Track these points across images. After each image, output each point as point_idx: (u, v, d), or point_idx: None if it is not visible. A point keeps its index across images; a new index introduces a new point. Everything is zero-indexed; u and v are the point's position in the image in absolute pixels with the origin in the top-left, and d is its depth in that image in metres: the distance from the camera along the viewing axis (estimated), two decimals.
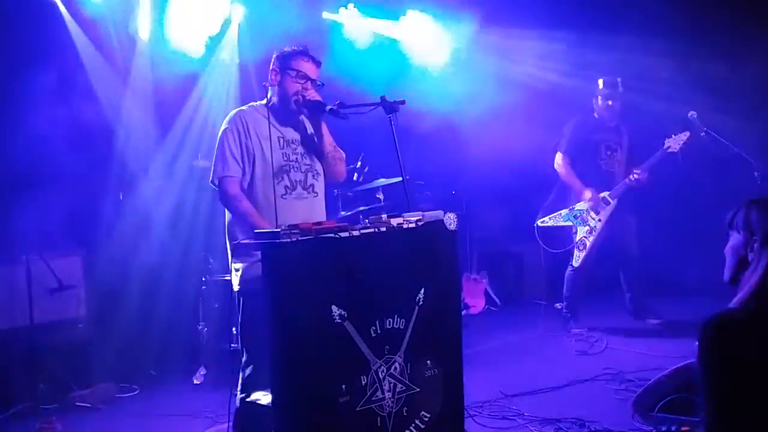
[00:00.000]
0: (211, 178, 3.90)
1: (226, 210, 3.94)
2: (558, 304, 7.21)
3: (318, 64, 3.97)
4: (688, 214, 7.15)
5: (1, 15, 5.39)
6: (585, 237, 6.49)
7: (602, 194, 6.48)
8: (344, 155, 4.19)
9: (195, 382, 5.74)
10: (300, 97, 3.87)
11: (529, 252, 8.21)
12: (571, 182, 6.57)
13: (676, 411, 3.85)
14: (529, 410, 4.67)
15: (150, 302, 5.99)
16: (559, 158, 6.66)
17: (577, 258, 6.53)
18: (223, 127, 3.89)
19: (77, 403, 5.21)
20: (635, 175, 6.37)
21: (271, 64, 3.97)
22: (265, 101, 3.96)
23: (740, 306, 2.22)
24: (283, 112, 3.91)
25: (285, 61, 3.92)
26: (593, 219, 6.45)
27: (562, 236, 6.72)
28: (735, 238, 2.34)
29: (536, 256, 8.02)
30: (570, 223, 6.56)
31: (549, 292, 7.40)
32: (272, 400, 3.19)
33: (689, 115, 6.22)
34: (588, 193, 6.45)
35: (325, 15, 7.29)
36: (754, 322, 2.14)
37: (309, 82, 3.90)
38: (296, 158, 3.92)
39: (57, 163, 5.50)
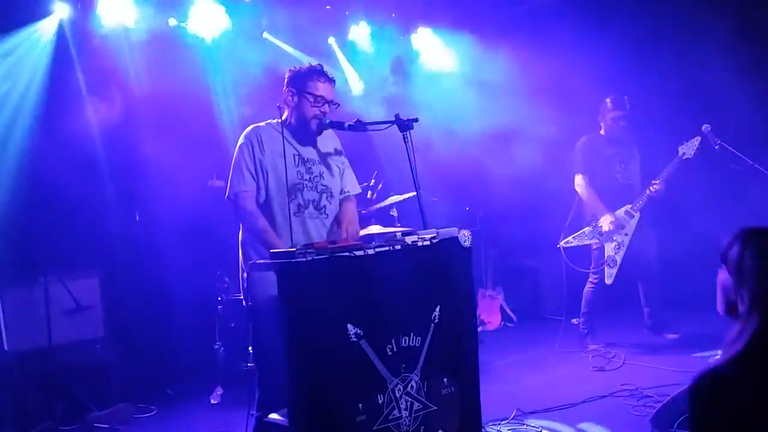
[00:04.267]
0: (227, 194, 3.93)
1: (240, 229, 3.96)
2: (575, 320, 7.16)
3: (333, 82, 4.00)
4: (704, 227, 7.08)
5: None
6: (614, 253, 6.43)
7: (625, 207, 6.43)
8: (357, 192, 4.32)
9: (212, 401, 5.74)
10: (319, 120, 3.90)
11: (544, 267, 8.20)
12: (594, 205, 6.49)
13: None
14: (546, 428, 4.64)
15: (167, 322, 6.02)
16: (579, 179, 6.58)
17: (610, 275, 6.43)
18: (239, 143, 3.93)
19: (95, 424, 5.23)
20: (655, 186, 6.33)
21: (285, 83, 4.00)
22: (279, 120, 3.98)
23: (728, 364, 2.07)
24: (301, 132, 3.94)
25: (301, 83, 3.95)
26: (619, 234, 6.41)
27: (584, 253, 6.68)
28: (725, 276, 2.17)
29: (551, 271, 8.01)
30: (595, 241, 6.51)
31: (565, 307, 7.36)
32: (289, 420, 3.19)
33: (703, 128, 6.19)
34: (608, 218, 6.39)
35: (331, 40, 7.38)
36: (742, 381, 2.01)
37: (326, 105, 3.94)
38: (310, 177, 3.95)
39: (73, 184, 5.55)
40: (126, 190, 6.08)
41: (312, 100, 3.91)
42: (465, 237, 3.60)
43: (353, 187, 4.23)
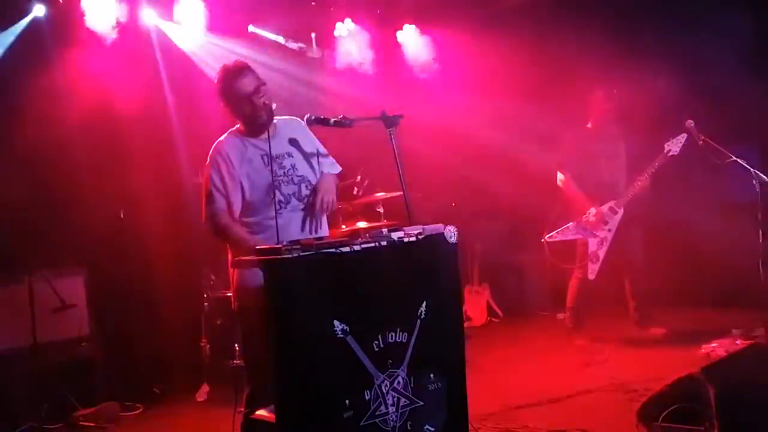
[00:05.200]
0: (203, 220, 3.90)
1: None
2: (560, 315, 7.19)
3: (249, 70, 3.91)
4: (687, 222, 7.12)
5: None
6: (597, 248, 6.46)
7: (609, 204, 6.45)
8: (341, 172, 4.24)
9: (198, 399, 5.74)
10: (266, 106, 3.85)
11: (530, 263, 8.22)
12: (576, 200, 6.52)
13: (680, 421, 3.84)
14: (533, 422, 4.66)
15: (152, 320, 6.01)
16: (561, 175, 6.61)
17: (592, 271, 6.47)
18: (208, 159, 3.91)
19: (81, 423, 5.21)
20: (639, 182, 6.35)
21: (219, 101, 3.93)
22: (235, 127, 3.98)
23: None
24: (257, 131, 3.91)
25: (228, 94, 3.89)
26: (603, 230, 6.43)
27: (570, 249, 6.71)
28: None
29: (537, 267, 8.05)
30: (579, 236, 6.53)
31: (551, 302, 7.39)
32: (276, 416, 3.19)
33: (686, 123, 6.21)
34: (592, 211, 6.42)
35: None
36: None
37: (254, 96, 3.85)
38: (284, 172, 3.90)
39: (57, 182, 5.53)
40: (110, 187, 6.05)
41: (246, 99, 3.85)
42: (451, 233, 3.60)
43: (331, 167, 4.18)
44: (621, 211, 6.44)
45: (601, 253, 6.46)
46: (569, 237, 6.58)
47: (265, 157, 3.86)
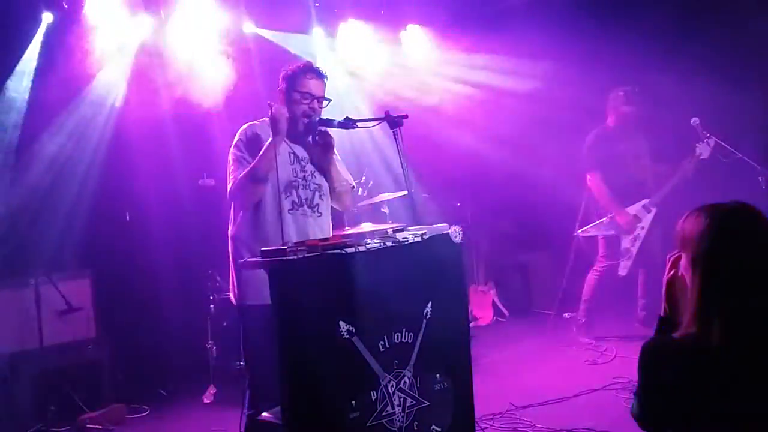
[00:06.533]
0: (229, 188, 3.84)
1: (231, 225, 3.93)
2: (567, 314, 7.18)
3: (323, 78, 3.96)
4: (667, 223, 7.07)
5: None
6: (630, 246, 6.42)
7: (642, 202, 6.40)
8: (352, 186, 4.23)
9: (205, 401, 5.74)
10: (308, 118, 3.88)
11: (535, 262, 8.22)
12: (609, 204, 6.44)
13: None
14: (540, 421, 4.66)
15: (159, 322, 6.02)
16: (592, 178, 6.50)
17: (624, 267, 6.44)
18: (234, 140, 3.90)
19: (88, 425, 5.22)
20: (671, 182, 6.30)
21: (279, 83, 3.99)
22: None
23: (683, 333, 2.16)
24: (292, 129, 3.91)
25: (290, 81, 3.92)
26: (636, 228, 6.39)
27: (592, 247, 6.69)
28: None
29: (543, 266, 8.04)
30: (613, 232, 6.48)
31: (557, 302, 7.36)
32: (282, 418, 3.19)
33: (692, 121, 6.19)
34: (625, 217, 6.37)
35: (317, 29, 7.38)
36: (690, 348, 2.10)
37: (315, 101, 3.91)
38: (305, 176, 3.92)
39: (63, 185, 5.54)
40: (116, 190, 6.06)
41: (299, 97, 3.88)
42: (456, 233, 3.60)
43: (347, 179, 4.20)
44: (654, 210, 6.39)
45: (634, 250, 6.41)
46: (602, 233, 6.53)
47: (292, 155, 3.89)
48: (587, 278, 6.69)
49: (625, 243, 6.45)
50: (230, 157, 3.89)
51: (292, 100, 3.90)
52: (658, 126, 6.64)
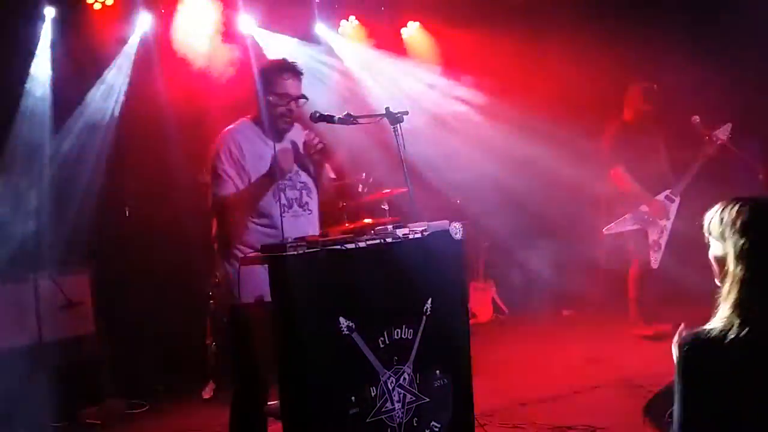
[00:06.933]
0: (211, 203, 3.81)
1: (218, 229, 3.90)
2: (566, 311, 7.17)
3: (300, 76, 3.89)
4: (692, 217, 7.08)
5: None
6: (658, 237, 6.38)
7: (664, 193, 6.37)
8: (334, 178, 4.28)
9: (204, 396, 5.74)
10: (287, 117, 3.84)
11: (535, 259, 8.21)
12: (638, 194, 6.38)
13: None
14: (540, 418, 4.66)
15: (158, 318, 6.01)
16: (616, 173, 6.44)
17: (655, 260, 6.39)
18: (216, 149, 3.82)
19: (87, 420, 5.22)
20: (692, 171, 6.26)
21: (254, 80, 3.93)
22: (251, 116, 3.91)
23: (721, 323, 2.13)
24: (273, 130, 3.86)
25: (267, 83, 3.84)
26: (663, 219, 6.36)
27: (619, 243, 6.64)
28: (714, 246, 2.25)
29: (543, 263, 8.03)
30: (638, 227, 6.43)
31: (556, 299, 7.37)
32: (282, 413, 3.20)
33: (692, 119, 6.19)
34: (655, 205, 6.34)
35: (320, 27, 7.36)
36: (730, 338, 2.07)
37: (293, 102, 3.84)
38: (290, 176, 3.88)
39: (62, 180, 5.54)
40: (115, 185, 6.06)
41: (276, 99, 3.81)
42: (456, 229, 3.60)
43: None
44: (677, 200, 6.36)
45: (663, 242, 6.37)
46: (627, 228, 6.46)
47: (275, 158, 3.84)
48: (629, 275, 6.59)
49: (653, 235, 6.40)
50: (212, 166, 3.80)
51: (269, 103, 3.83)
52: (675, 121, 6.57)
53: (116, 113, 6.12)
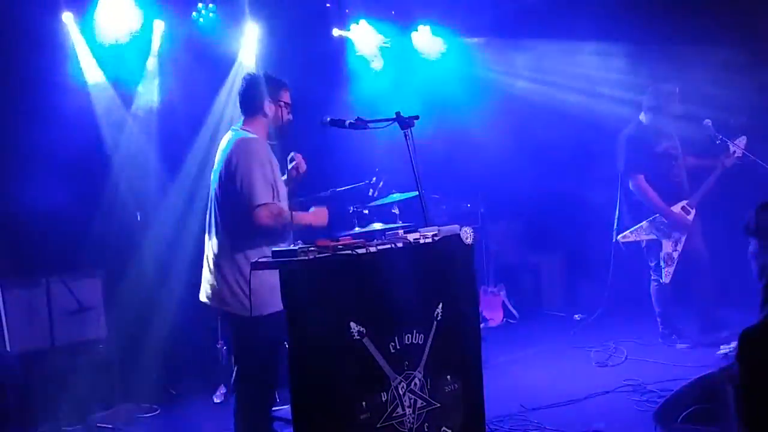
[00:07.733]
0: (255, 201, 3.79)
1: (236, 239, 3.91)
2: (577, 316, 7.14)
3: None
4: (703, 222, 7.02)
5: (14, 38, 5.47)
6: (672, 250, 6.23)
7: (681, 204, 6.24)
8: None
9: (215, 400, 5.75)
10: (284, 123, 4.11)
11: (546, 264, 8.20)
12: (657, 206, 6.23)
13: (698, 422, 3.80)
14: (550, 423, 4.65)
15: (169, 322, 6.01)
16: (639, 180, 6.25)
17: (667, 274, 6.24)
18: (257, 154, 3.88)
19: (99, 424, 5.23)
20: (709, 182, 6.20)
21: (263, 92, 4.05)
22: (254, 130, 4.02)
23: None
24: (278, 140, 4.09)
25: (274, 93, 4.07)
26: (678, 230, 6.22)
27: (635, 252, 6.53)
28: (753, 244, 2.29)
29: (553, 267, 8.03)
30: (653, 237, 6.29)
31: (567, 303, 7.34)
32: (292, 418, 3.20)
33: (704, 122, 6.16)
34: (676, 216, 6.20)
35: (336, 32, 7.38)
36: None
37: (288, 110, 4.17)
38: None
39: (75, 184, 5.56)
40: (127, 190, 6.08)
41: (283, 106, 4.08)
42: (467, 234, 3.60)
43: None
44: (693, 211, 6.24)
45: (676, 255, 6.22)
46: (642, 237, 6.34)
47: (279, 168, 4.05)
48: (651, 290, 6.43)
49: (667, 248, 6.25)
50: (255, 167, 3.84)
51: (278, 111, 4.08)
52: (694, 124, 6.42)
53: (126, 116, 6.17)
